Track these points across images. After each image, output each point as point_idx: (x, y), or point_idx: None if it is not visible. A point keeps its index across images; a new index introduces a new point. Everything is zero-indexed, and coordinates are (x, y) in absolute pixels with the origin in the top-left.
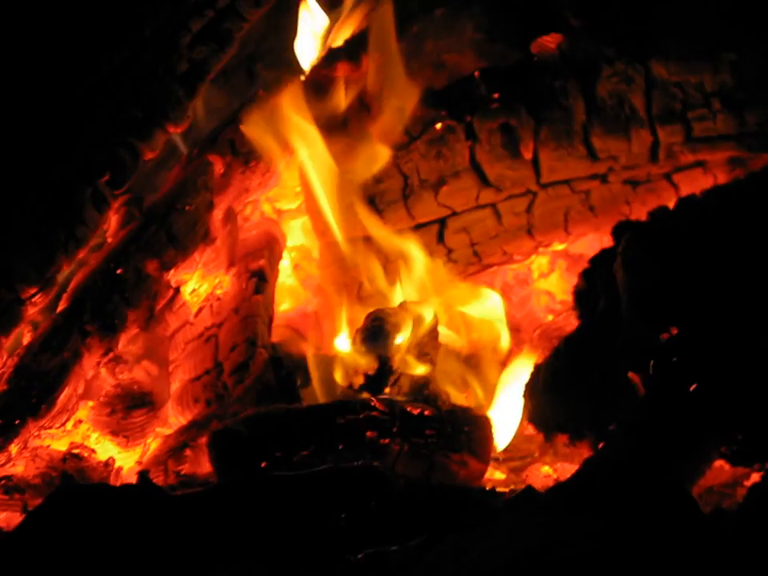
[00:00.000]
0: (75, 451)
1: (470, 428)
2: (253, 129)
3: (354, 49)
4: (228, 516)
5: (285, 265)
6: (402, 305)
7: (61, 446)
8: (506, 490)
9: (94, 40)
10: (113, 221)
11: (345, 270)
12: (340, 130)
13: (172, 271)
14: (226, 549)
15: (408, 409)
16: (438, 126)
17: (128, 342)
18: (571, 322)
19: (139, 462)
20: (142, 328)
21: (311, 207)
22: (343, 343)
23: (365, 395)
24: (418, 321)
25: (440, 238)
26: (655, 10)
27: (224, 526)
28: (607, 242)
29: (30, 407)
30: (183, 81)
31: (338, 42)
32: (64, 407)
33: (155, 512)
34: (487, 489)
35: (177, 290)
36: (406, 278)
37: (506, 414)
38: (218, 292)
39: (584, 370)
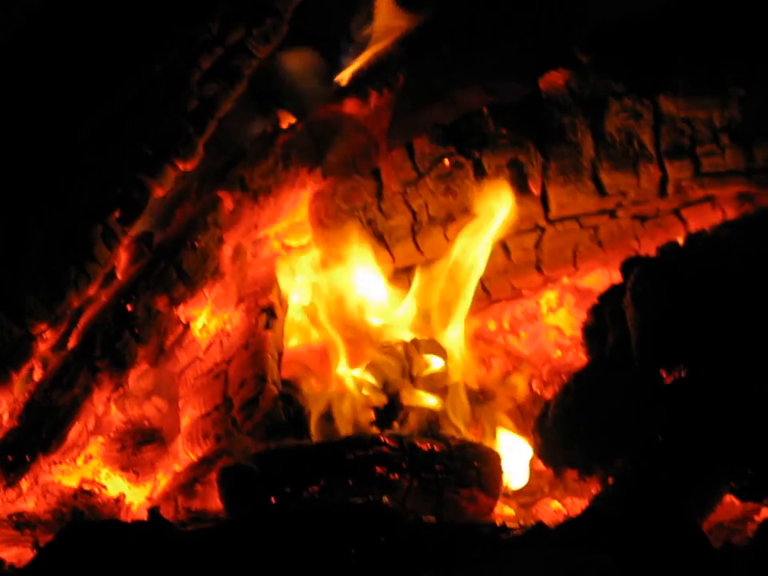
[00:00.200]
0: (86, 487)
1: (480, 463)
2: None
3: (363, 85)
4: (238, 552)
5: (294, 300)
6: (412, 341)
7: (71, 481)
8: (516, 525)
9: (105, 77)
10: (123, 257)
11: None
12: (349, 167)
13: (182, 307)
14: None
15: (417, 444)
16: (447, 162)
17: (138, 377)
18: (580, 358)
19: (149, 498)
20: (152, 364)
21: (319, 243)
22: (353, 379)
23: (374, 431)
24: (426, 356)
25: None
26: (663, 47)
27: (234, 561)
28: (616, 277)
29: (40, 443)
30: (193, 118)
31: (347, 78)
32: (74, 443)
33: (166, 548)
34: (497, 524)
35: (186, 326)
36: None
37: (516, 452)
38: (228, 328)
39: (593, 406)
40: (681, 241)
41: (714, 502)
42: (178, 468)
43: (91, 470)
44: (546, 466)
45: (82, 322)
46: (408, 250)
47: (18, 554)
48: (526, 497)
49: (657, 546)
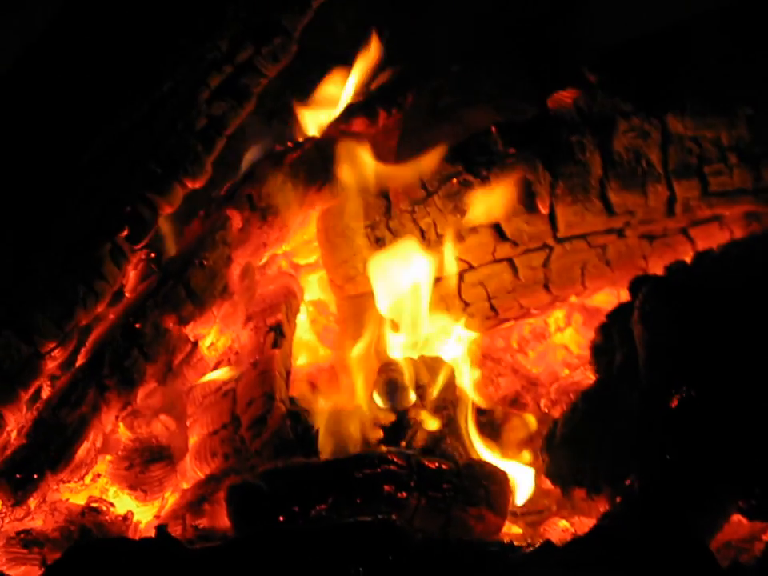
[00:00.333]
0: (94, 505)
1: (488, 482)
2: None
3: (372, 104)
4: (246, 570)
5: (302, 319)
6: (420, 359)
7: (79, 499)
8: (524, 544)
9: (113, 95)
10: (131, 275)
11: (362, 325)
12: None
13: (190, 326)
14: None
15: (425, 463)
16: (455, 180)
17: (146, 396)
18: (588, 377)
19: (157, 516)
20: (160, 382)
21: (328, 262)
22: (360, 397)
23: (382, 449)
24: (435, 375)
25: (457, 291)
26: (671, 66)
27: None
28: (624, 296)
29: (48, 461)
30: (202, 136)
31: (355, 97)
32: (82, 461)
33: (174, 566)
34: (505, 543)
35: (195, 345)
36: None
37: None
38: (236, 346)
39: (601, 425)
40: (688, 260)
41: (722, 521)
42: (185, 486)
43: (99, 488)
44: (553, 485)
45: (91, 340)
46: None
47: (26, 572)
48: (534, 516)
49: (665, 565)
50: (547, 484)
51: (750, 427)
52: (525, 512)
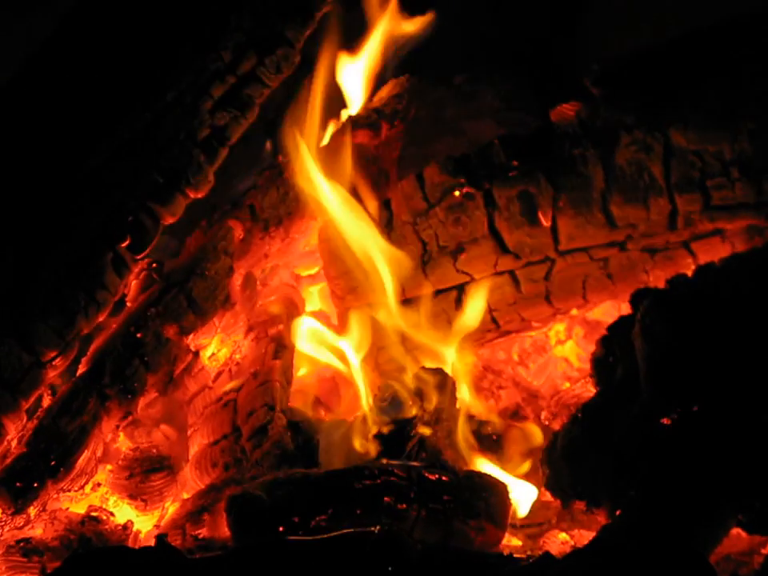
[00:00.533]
0: (94, 514)
1: (488, 494)
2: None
3: (374, 116)
4: None
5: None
6: (421, 370)
7: (79, 508)
8: (524, 556)
9: (116, 105)
10: (133, 285)
11: (363, 336)
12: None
13: (191, 336)
14: None
15: (426, 474)
16: (457, 192)
17: (146, 405)
18: (588, 390)
19: (157, 526)
20: (161, 392)
21: (329, 273)
22: (361, 408)
23: (383, 460)
24: (435, 387)
25: (458, 303)
26: (674, 80)
27: None
28: (625, 309)
29: (49, 470)
30: (204, 146)
31: (358, 109)
32: (83, 470)
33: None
34: (504, 555)
35: (196, 355)
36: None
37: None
38: (237, 356)
39: (601, 438)
40: (690, 273)
41: (722, 535)
42: (186, 496)
43: (99, 497)
44: (553, 498)
45: (92, 349)
46: (418, 281)
47: None
48: (534, 528)
49: None
50: (547, 496)
51: (751, 441)
52: (524, 524)
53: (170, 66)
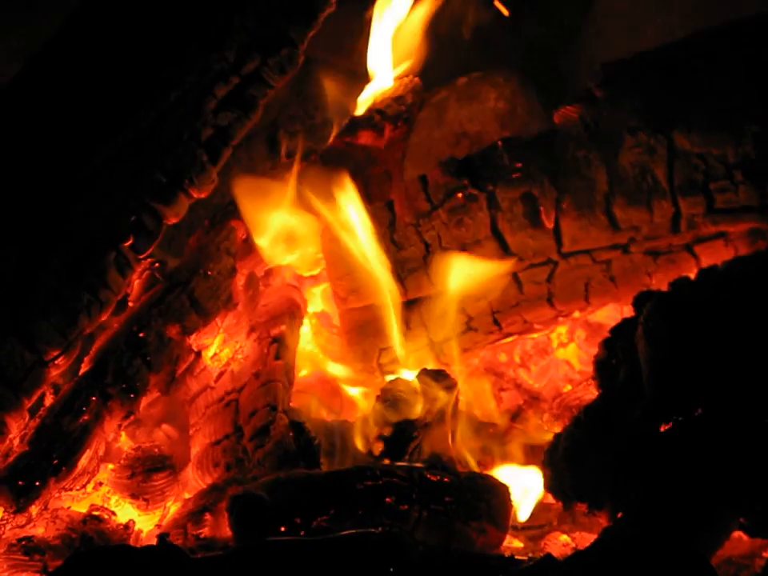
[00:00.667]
0: (95, 513)
1: (489, 496)
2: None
3: (377, 117)
4: None
5: (305, 331)
6: (423, 372)
7: (81, 507)
8: (525, 557)
9: (120, 104)
10: (136, 285)
11: (365, 337)
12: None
13: (194, 335)
14: None
15: (427, 475)
16: (460, 194)
17: (148, 405)
18: (591, 392)
19: (159, 526)
20: (163, 392)
21: (332, 274)
22: (363, 410)
23: (385, 462)
24: (437, 388)
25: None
26: (678, 82)
27: None
28: (627, 312)
29: (51, 468)
30: (208, 146)
31: (361, 110)
32: (85, 469)
33: (175, 574)
34: (506, 556)
35: (198, 355)
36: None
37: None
38: (239, 357)
39: (604, 440)
40: (693, 276)
41: (724, 538)
42: (187, 496)
43: (101, 496)
44: (555, 499)
45: (94, 348)
46: (420, 282)
47: None
48: (535, 530)
49: None
50: (548, 498)
51: (753, 444)
52: (526, 526)
53: (174, 65)
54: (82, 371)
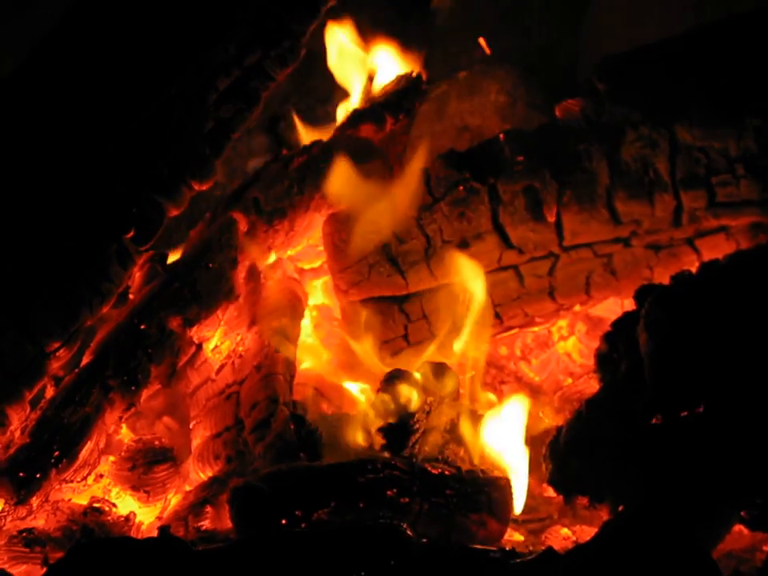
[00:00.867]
0: (96, 505)
1: (490, 489)
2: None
3: (379, 109)
4: (248, 573)
5: (306, 324)
6: (425, 364)
7: (82, 499)
8: (526, 551)
9: (122, 97)
10: (137, 277)
11: (366, 330)
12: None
13: (195, 328)
14: None
15: (428, 468)
16: (462, 187)
17: (149, 397)
18: (592, 385)
19: (160, 518)
20: (164, 384)
21: (333, 267)
22: (364, 402)
23: (386, 454)
24: (438, 381)
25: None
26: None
27: None
28: (628, 306)
29: (52, 460)
30: (209, 138)
31: (363, 103)
32: (86, 461)
33: (177, 566)
34: (507, 549)
35: (199, 347)
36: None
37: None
38: (240, 349)
39: (605, 433)
40: (694, 270)
41: (725, 531)
42: (188, 488)
43: (102, 488)
44: (556, 493)
45: (95, 340)
46: (421, 275)
47: (28, 570)
48: (536, 523)
49: (667, 574)
50: (549, 491)
51: (754, 438)
52: (527, 519)
53: (175, 58)
54: (83, 363)
